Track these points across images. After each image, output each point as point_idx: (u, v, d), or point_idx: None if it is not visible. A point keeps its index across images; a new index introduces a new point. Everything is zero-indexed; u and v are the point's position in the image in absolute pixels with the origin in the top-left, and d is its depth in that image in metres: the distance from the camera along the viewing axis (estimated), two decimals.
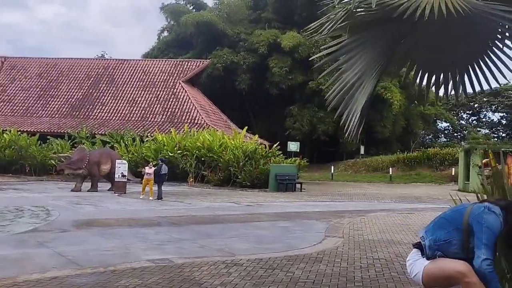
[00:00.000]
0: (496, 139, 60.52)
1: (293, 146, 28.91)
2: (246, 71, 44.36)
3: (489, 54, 4.90)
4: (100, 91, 38.65)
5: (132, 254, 8.08)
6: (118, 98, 37.94)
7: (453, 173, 36.11)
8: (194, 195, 21.15)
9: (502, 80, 5.41)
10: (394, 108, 42.03)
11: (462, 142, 57.23)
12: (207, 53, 44.67)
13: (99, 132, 33.00)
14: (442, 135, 66.34)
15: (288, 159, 28.00)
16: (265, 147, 28.44)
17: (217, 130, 30.98)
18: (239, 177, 25.53)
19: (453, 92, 5.92)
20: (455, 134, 65.05)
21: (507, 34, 4.65)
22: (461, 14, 4.22)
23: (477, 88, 5.30)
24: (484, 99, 62.64)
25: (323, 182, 34.59)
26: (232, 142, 28.37)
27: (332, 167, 39.48)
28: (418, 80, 5.59)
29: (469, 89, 5.28)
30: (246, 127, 30.55)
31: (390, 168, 37.93)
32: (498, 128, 66.05)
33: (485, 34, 4.76)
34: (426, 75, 5.50)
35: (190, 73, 39.92)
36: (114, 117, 36.31)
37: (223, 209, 16.01)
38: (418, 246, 3.48)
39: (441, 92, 5.91)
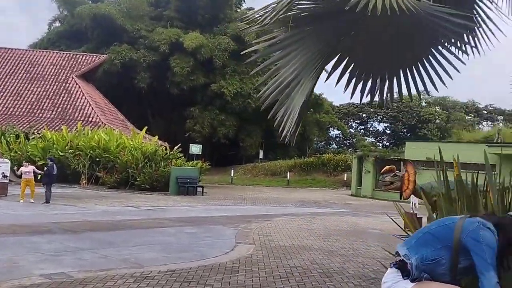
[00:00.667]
0: (380, 147, 65.11)
1: (195, 149, 28.21)
2: (146, 69, 42.66)
3: (429, 58, 4.80)
4: None
5: (21, 269, 6.92)
6: (0, 90, 34.26)
7: (345, 179, 37.89)
8: (88, 198, 19.55)
9: (440, 85, 5.36)
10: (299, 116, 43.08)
11: (350, 149, 60.80)
12: (104, 48, 42.19)
13: None
14: (334, 142, 69.77)
15: (190, 161, 27.23)
16: (166, 149, 27.39)
17: (114, 130, 29.23)
18: (138, 179, 24.23)
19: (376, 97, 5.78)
20: (345, 141, 68.78)
21: (449, 38, 4.56)
22: (406, 13, 4.02)
23: (413, 92, 5.15)
24: (371, 109, 67.19)
25: (223, 186, 34.26)
26: (131, 143, 26.91)
27: (232, 170, 39.35)
28: (354, 81, 5.35)
29: (412, 91, 5.13)
30: (146, 127, 29.19)
31: (288, 173, 38.77)
32: (382, 137, 71.17)
33: (428, 36, 4.64)
34: (363, 75, 5.28)
35: (85, 68, 37.37)
36: None
37: (122, 213, 14.88)
38: (398, 265, 3.00)
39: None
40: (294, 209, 19.34)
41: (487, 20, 5.06)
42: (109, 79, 41.80)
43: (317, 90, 68.58)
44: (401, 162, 26.88)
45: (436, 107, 66.59)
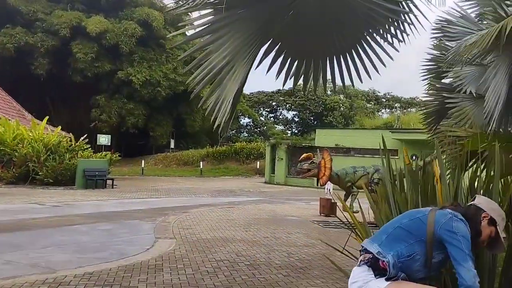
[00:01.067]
0: (289, 135, 66.86)
1: (103, 140, 26.73)
2: (44, 55, 39.56)
3: (363, 45, 4.74)
4: None
5: None
6: None
7: (258, 166, 38.37)
8: None
9: (364, 76, 5.33)
10: (205, 104, 42.56)
11: (261, 137, 61.67)
12: None
13: None
14: (244, 131, 70.35)
15: (98, 153, 25.77)
16: (70, 140, 25.67)
17: (9, 120, 26.78)
18: (40, 173, 22.44)
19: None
20: (256, 129, 69.64)
21: (383, 24, 4.53)
22: None
23: (347, 82, 5.08)
24: (281, 98, 68.65)
25: (134, 177, 32.99)
26: (30, 134, 24.85)
27: (143, 161, 38.09)
28: (285, 69, 5.16)
29: (347, 81, 5.04)
30: (47, 117, 27.09)
31: (201, 162, 38.36)
32: (291, 125, 73.11)
33: (360, 22, 4.57)
34: (295, 63, 5.11)
35: None
36: None
37: (25, 211, 13.60)
38: (370, 263, 2.81)
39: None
40: (211, 199, 19.09)
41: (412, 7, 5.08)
42: (1, 66, 38.28)
43: None
44: (318, 149, 27.73)
45: (340, 95, 69.65)
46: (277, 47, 5.06)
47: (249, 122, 70.72)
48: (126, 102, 41.89)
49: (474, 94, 9.81)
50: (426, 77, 9.68)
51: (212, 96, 4.77)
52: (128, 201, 17.52)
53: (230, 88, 4.55)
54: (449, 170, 9.54)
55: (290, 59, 5.09)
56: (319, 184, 13.39)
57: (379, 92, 74.80)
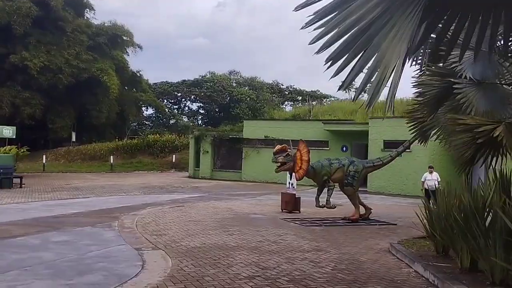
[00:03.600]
0: (194, 126, 65.22)
1: (7, 132, 23.04)
2: None
3: None
4: None
5: None
6: None
7: (174, 160, 36.49)
8: None
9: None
10: (112, 93, 39.49)
11: (166, 129, 59.18)
12: None
13: None
14: (148, 122, 67.23)
15: (1, 147, 22.22)
16: None
17: None
18: None
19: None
20: (160, 121, 66.87)
21: None
22: None
23: None
24: (186, 89, 66.67)
25: (37, 175, 29.29)
26: None
27: (44, 156, 34.17)
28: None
29: None
30: None
31: (111, 157, 35.44)
32: (197, 116, 71.46)
33: None
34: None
35: None
36: None
37: None
38: None
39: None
40: (148, 198, 17.24)
41: None
42: None
43: (135, 67, 64.55)
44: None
45: (246, 87, 69.51)
46: None
47: (152, 114, 67.80)
48: (20, 90, 37.30)
49: (474, 80, 9.56)
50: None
51: (354, 62, 3.37)
52: (53, 203, 15.07)
53: (390, 50, 3.27)
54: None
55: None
56: (296, 179, 12.43)
57: (282, 85, 76.07)
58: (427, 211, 7.62)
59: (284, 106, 71.68)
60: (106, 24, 43.33)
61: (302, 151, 11.83)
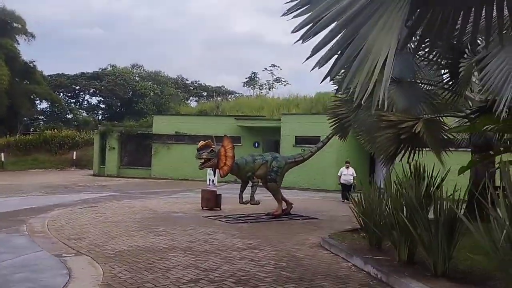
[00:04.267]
0: (95, 121, 62.01)
1: None
2: None
3: None
4: None
5: None
6: None
7: (74, 157, 34.36)
8: None
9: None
10: (2, 85, 36.07)
11: (60, 124, 55.46)
12: None
13: None
14: (43, 117, 62.57)
15: None
16: None
17: None
18: None
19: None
20: (55, 115, 62.50)
21: None
22: None
23: None
24: (85, 82, 63.10)
25: None
26: None
27: None
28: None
29: None
30: None
31: (2, 154, 32.38)
32: (96, 111, 67.94)
33: None
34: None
35: None
36: None
37: None
38: None
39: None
40: (55, 198, 15.91)
41: None
42: None
43: (32, 56, 58.89)
44: (151, 136, 25.75)
45: (150, 82, 67.48)
46: None
47: (46, 108, 63.26)
48: None
49: (394, 78, 10.02)
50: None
51: (334, 50, 3.20)
52: None
53: (379, 40, 3.16)
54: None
55: None
56: (221, 176, 12.14)
57: (187, 80, 75.11)
58: (360, 206, 7.81)
59: (189, 102, 70.78)
60: None
61: (226, 147, 11.62)
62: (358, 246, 7.74)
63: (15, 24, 40.35)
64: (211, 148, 11.67)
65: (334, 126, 11.48)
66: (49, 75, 59.10)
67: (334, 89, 13.12)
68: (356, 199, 8.10)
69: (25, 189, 18.91)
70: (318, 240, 8.72)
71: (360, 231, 8.30)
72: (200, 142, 11.98)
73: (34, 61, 45.81)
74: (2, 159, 32.17)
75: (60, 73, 62.96)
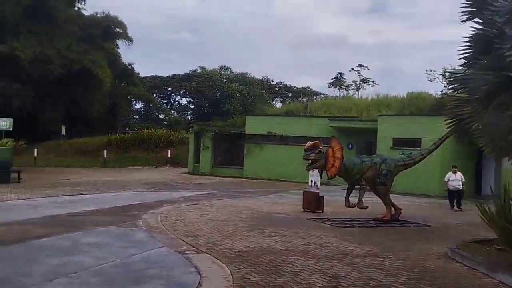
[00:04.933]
0: (185, 121, 64.24)
1: (3, 124, 21.97)
2: None
3: None
4: None
5: None
6: None
7: (169, 155, 35.67)
8: None
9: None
10: (104, 86, 38.35)
11: (154, 123, 57.99)
12: None
13: None
14: (137, 116, 65.98)
15: None
16: None
17: None
18: None
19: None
20: (149, 115, 65.57)
21: None
22: None
23: None
24: (176, 83, 65.63)
25: (29, 169, 28.11)
26: None
27: (36, 150, 33.05)
28: None
29: None
30: None
31: (105, 151, 34.45)
32: (186, 111, 70.44)
33: None
34: None
35: None
36: None
37: None
38: None
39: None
40: (157, 194, 16.51)
41: None
42: None
43: (129, 59, 62.55)
44: (243, 136, 26.03)
45: (236, 83, 68.70)
46: None
47: (141, 108, 66.59)
48: (10, 81, 35.90)
49: None
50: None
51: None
52: (62, 200, 14.30)
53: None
54: None
55: None
56: (328, 177, 11.87)
57: (272, 81, 75.50)
58: (501, 215, 7.12)
59: (275, 103, 71.14)
60: (98, 15, 42.14)
61: (334, 148, 11.28)
62: (498, 259, 7.06)
63: (117, 29, 42.79)
64: (319, 149, 11.39)
65: (451, 127, 10.70)
66: (144, 77, 62.24)
67: (450, 88, 12.30)
68: (488, 207, 7.42)
69: (129, 185, 19.85)
70: (443, 250, 8.12)
71: (495, 242, 7.58)
72: (308, 142, 11.73)
73: (132, 64, 48.41)
74: (105, 156, 34.19)
75: (154, 75, 65.99)
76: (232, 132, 27.08)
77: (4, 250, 7.32)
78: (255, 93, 67.37)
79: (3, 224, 9.67)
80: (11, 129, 22.61)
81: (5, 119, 22.46)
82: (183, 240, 8.40)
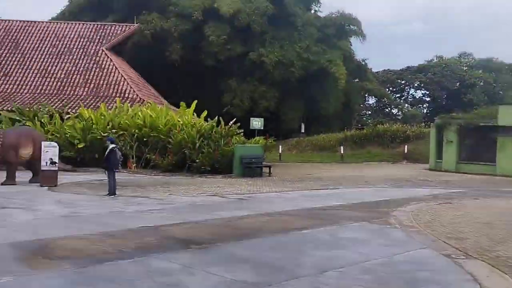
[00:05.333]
0: (421, 115, 61.20)
1: (256, 123, 24.73)
2: (177, 39, 38.95)
3: None
4: (2, 58, 31.30)
5: None
6: (26, 67, 30.93)
7: (405, 151, 34.37)
8: (152, 185, 16.36)
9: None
10: (340, 83, 39.26)
11: (387, 118, 56.71)
12: (131, 18, 38.28)
13: (4, 108, 26.33)
14: (369, 112, 65.90)
15: (252, 138, 23.72)
16: (220, 125, 23.94)
17: (157, 106, 25.86)
18: (197, 161, 20.90)
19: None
20: (383, 110, 64.69)
21: None
22: None
23: None
24: (409, 76, 63.07)
25: (274, 164, 30.74)
26: (179, 120, 23.60)
27: (280, 146, 35.98)
28: None
29: None
30: (196, 101, 25.57)
31: (341, 147, 35.26)
32: (420, 105, 67.14)
33: None
34: None
35: (114, 39, 33.82)
36: (22, 90, 29.47)
37: (216, 207, 11.64)
38: None
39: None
40: (401, 191, 15.92)
41: None
42: (139, 52, 38.08)
43: (360, 55, 63.08)
44: (495, 128, 23.18)
45: (479, 71, 62.16)
46: None
47: (373, 103, 66.12)
48: (257, 85, 40.05)
49: None
50: None
51: None
52: (310, 194, 15.07)
53: None
54: None
55: None
56: None
57: None
58: None
59: None
60: (333, 15, 43.38)
61: None
62: None
63: (351, 27, 43.37)
64: None
65: None
66: (376, 72, 61.67)
67: None
68: None
69: (370, 180, 19.74)
70: None
71: None
72: None
73: (365, 59, 48.48)
74: (341, 152, 35.00)
75: (386, 69, 64.81)
76: (481, 124, 24.38)
77: (273, 239, 7.93)
78: (504, 80, 59.88)
79: (265, 214, 10.61)
80: (262, 128, 25.03)
81: (258, 119, 24.98)
82: (446, 242, 7.72)
